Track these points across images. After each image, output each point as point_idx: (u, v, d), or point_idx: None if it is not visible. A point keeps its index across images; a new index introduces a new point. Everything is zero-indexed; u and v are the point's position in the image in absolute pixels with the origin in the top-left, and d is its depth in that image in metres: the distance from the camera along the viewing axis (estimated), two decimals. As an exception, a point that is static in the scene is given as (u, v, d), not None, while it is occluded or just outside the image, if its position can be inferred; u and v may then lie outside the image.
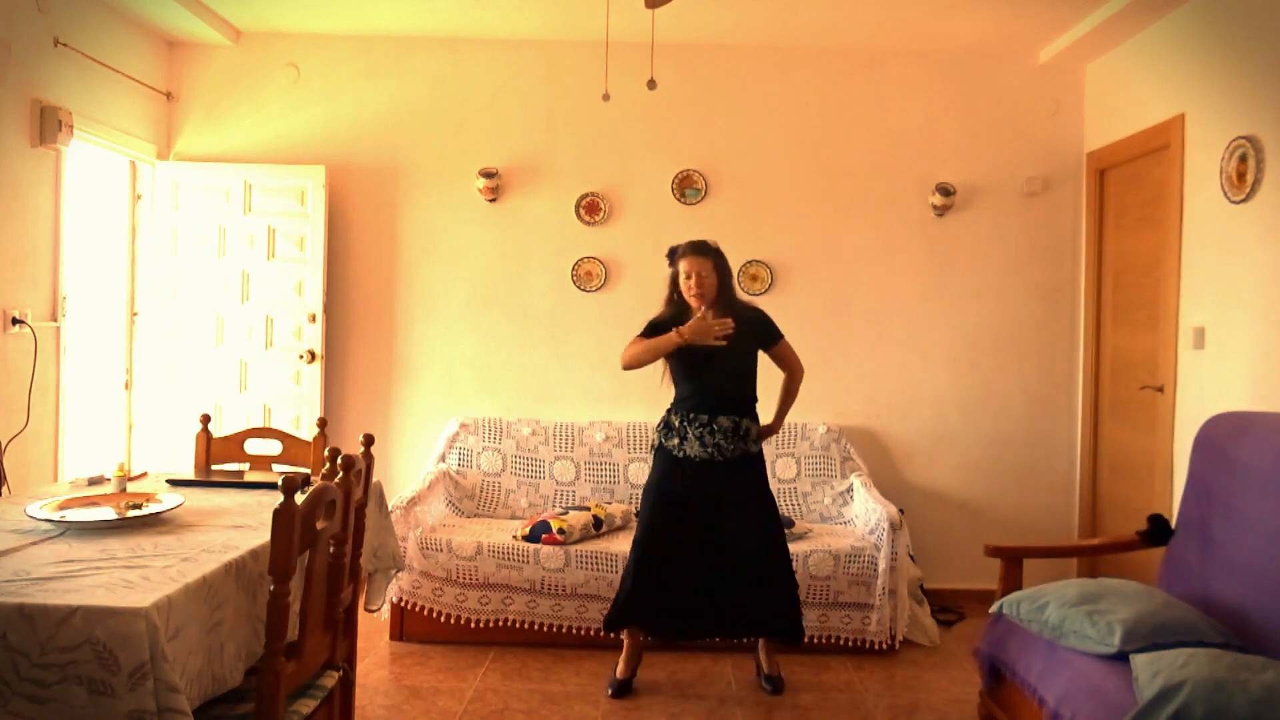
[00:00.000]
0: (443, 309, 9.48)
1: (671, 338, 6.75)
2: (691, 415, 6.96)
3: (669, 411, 7.15)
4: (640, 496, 7.39)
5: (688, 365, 7.01)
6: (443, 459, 9.17)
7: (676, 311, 7.10)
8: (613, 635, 7.44)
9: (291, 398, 9.31)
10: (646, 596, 6.97)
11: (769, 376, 7.32)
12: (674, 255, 7.12)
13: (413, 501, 8.08)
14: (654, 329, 7.06)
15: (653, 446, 7.21)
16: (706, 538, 6.94)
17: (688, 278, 6.94)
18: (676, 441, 6.98)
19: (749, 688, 7.24)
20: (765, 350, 7.22)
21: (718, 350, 6.89)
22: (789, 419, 8.84)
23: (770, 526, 7.04)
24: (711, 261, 6.98)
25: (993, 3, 8.19)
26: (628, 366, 7.06)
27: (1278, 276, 6.54)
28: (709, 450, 6.89)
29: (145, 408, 9.30)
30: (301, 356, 9.24)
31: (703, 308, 6.94)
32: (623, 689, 7.10)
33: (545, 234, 9.49)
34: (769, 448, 8.97)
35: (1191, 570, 5.85)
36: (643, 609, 7.01)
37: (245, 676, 4.19)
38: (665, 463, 7.05)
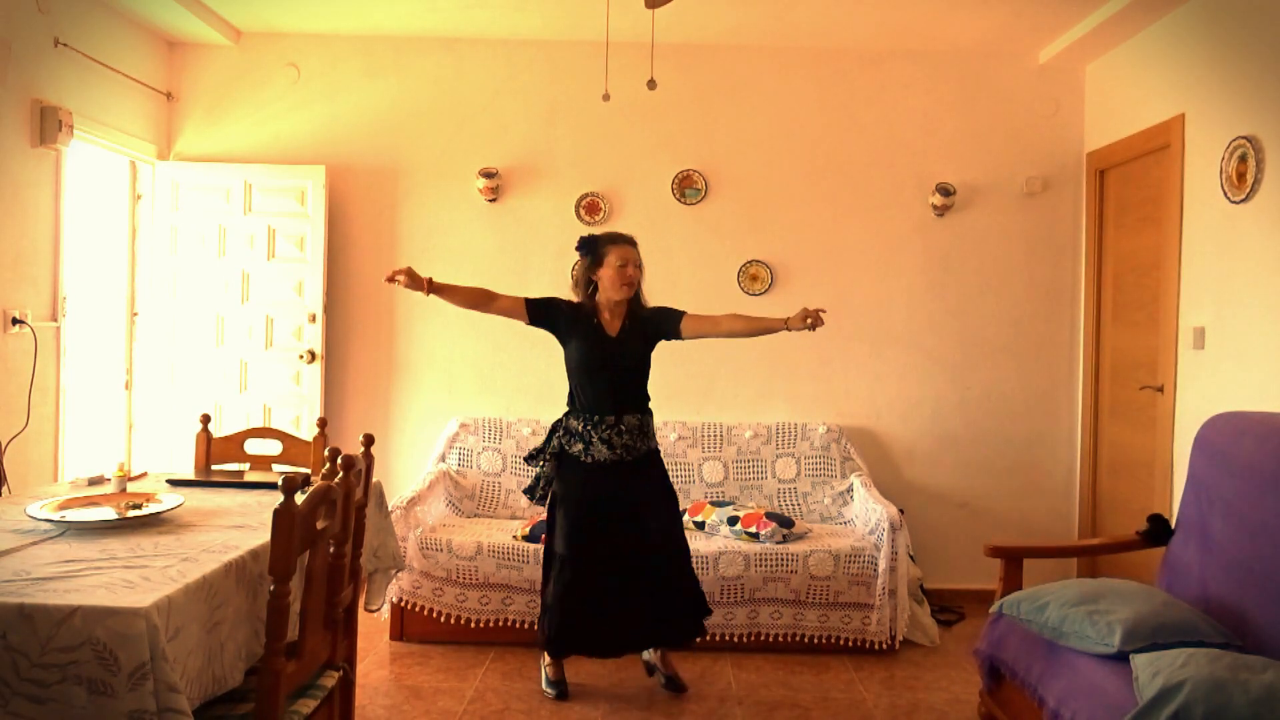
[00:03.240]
0: (443, 309, 9.43)
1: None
2: (596, 417, 6.88)
3: (566, 416, 7.05)
4: (546, 511, 7.18)
5: (586, 362, 6.94)
6: (443, 459, 9.18)
7: (581, 303, 7.06)
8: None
9: (291, 398, 9.32)
10: (582, 620, 6.86)
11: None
12: (595, 244, 7.00)
13: (413, 501, 8.09)
14: (552, 300, 7.09)
15: (549, 455, 7.03)
16: (625, 543, 6.86)
17: (623, 266, 6.86)
18: (581, 447, 6.87)
19: (748, 688, 7.23)
20: (674, 334, 6.99)
21: (616, 346, 6.91)
22: (790, 419, 8.89)
23: (678, 524, 7.05)
24: (636, 251, 6.97)
25: (992, 3, 8.19)
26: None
27: (1278, 276, 6.54)
28: (618, 451, 6.83)
29: (145, 408, 9.30)
30: (301, 356, 9.24)
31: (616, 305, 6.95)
32: (563, 689, 7.10)
33: (545, 234, 9.49)
34: (769, 446, 9.00)
35: (1191, 570, 5.86)
36: (581, 635, 6.92)
37: (245, 676, 4.20)
38: (574, 471, 6.93)
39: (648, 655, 7.30)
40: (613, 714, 6.76)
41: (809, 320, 6.49)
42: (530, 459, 7.11)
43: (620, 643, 7.02)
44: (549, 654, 7.11)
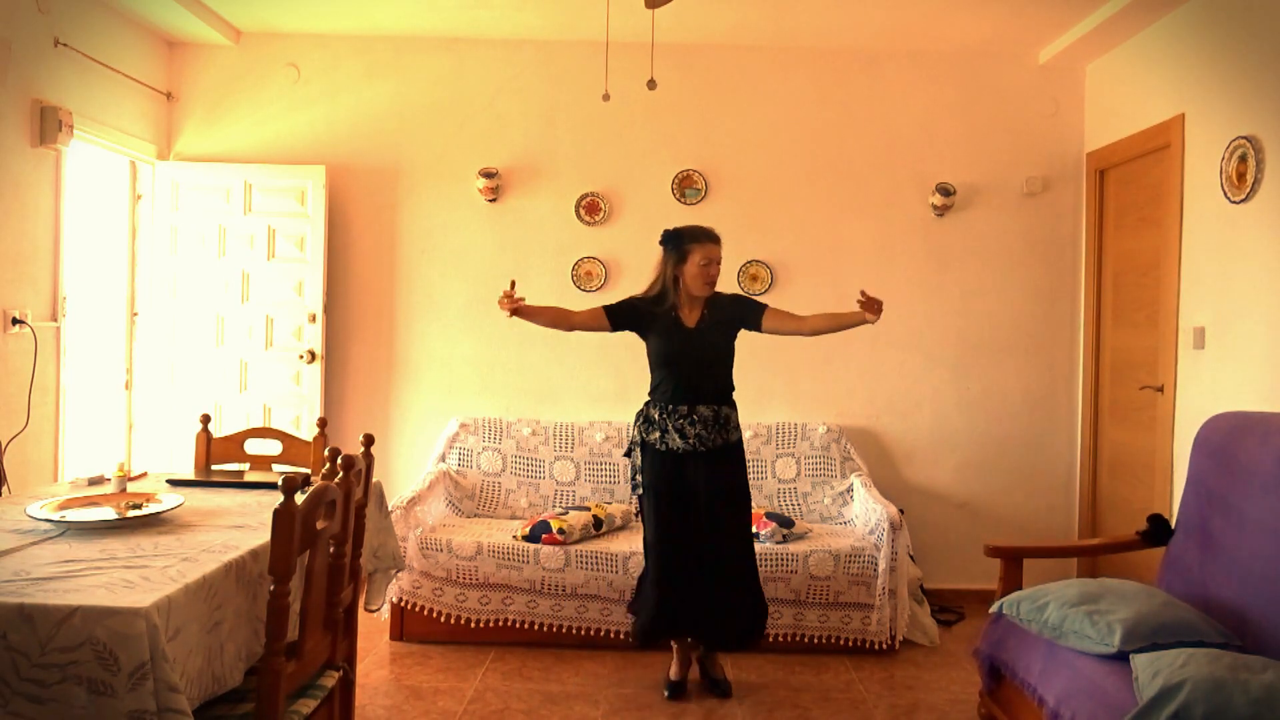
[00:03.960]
0: (443, 309, 9.49)
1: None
2: (670, 407, 6.92)
3: (646, 405, 7.10)
4: (640, 500, 7.25)
5: (663, 354, 6.99)
6: (443, 459, 9.18)
7: (660, 296, 7.05)
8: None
9: (291, 398, 9.32)
10: (672, 604, 6.93)
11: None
12: (680, 239, 6.98)
13: (413, 501, 8.08)
14: (628, 302, 7.13)
15: (633, 444, 7.15)
16: (699, 533, 6.90)
17: (706, 265, 6.89)
18: (658, 435, 6.93)
19: (748, 688, 7.22)
20: (755, 325, 7.04)
21: (694, 338, 6.93)
22: (790, 419, 8.91)
23: (747, 524, 7.05)
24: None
25: (992, 3, 8.20)
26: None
27: (1278, 276, 6.54)
28: (691, 441, 6.85)
29: (145, 408, 9.30)
30: (301, 356, 9.24)
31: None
32: (677, 690, 7.12)
33: (545, 234, 9.49)
34: (769, 446, 9.01)
35: (1191, 570, 5.86)
36: (672, 618, 6.98)
37: (245, 676, 4.20)
38: (653, 460, 7.00)
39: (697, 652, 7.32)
40: (613, 714, 6.76)
41: (877, 306, 6.61)
42: (627, 453, 7.25)
43: (689, 627, 7.07)
44: (641, 640, 7.17)
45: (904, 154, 9.50)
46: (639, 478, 7.09)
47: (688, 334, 6.96)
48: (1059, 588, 5.61)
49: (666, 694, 7.08)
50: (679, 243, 6.99)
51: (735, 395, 7.10)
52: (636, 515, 7.41)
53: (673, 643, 7.23)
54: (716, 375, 7.04)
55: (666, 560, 6.91)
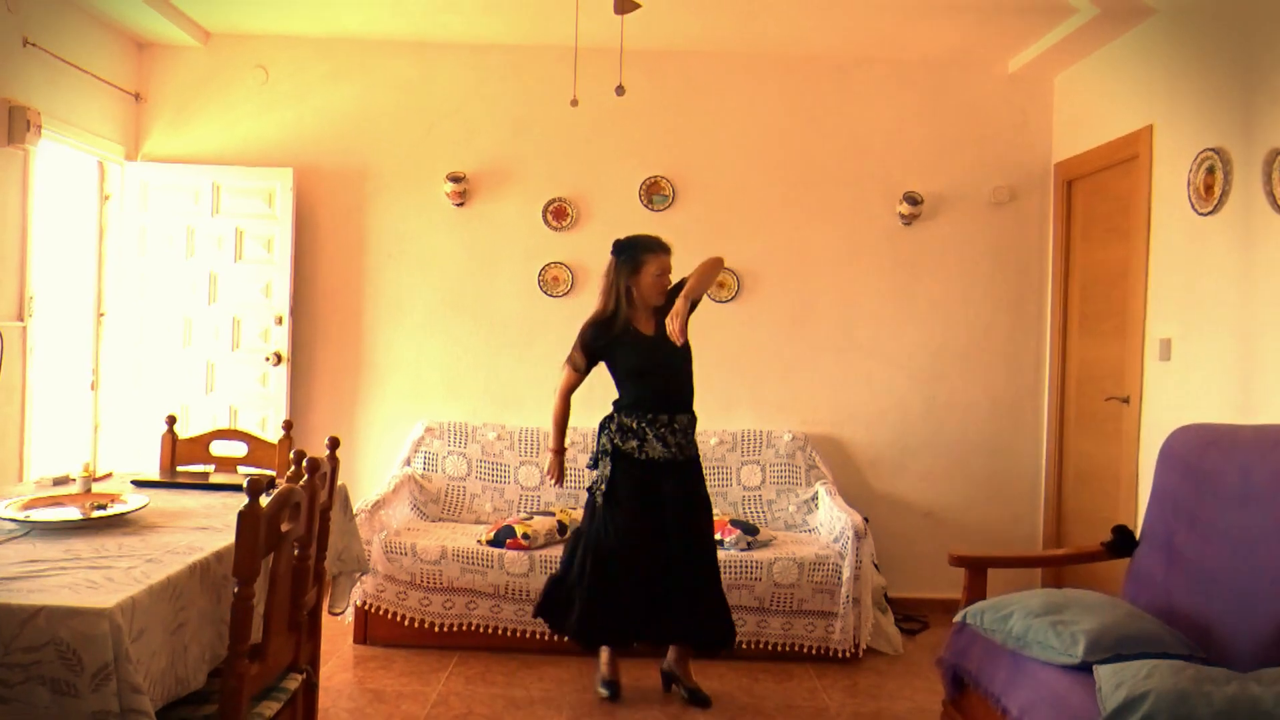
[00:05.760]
0: (409, 313, 9.48)
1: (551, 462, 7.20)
2: (650, 416, 6.93)
3: (618, 414, 7.08)
4: (592, 503, 7.18)
5: (635, 367, 7.02)
6: (408, 463, 9.16)
7: (610, 318, 7.05)
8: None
9: (258, 399, 9.30)
10: (607, 611, 6.94)
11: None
12: (635, 249, 7.02)
13: (378, 505, 8.08)
14: (588, 346, 7.10)
15: (602, 452, 7.10)
16: (671, 539, 6.92)
17: (660, 275, 6.94)
18: (636, 444, 6.93)
19: (711, 695, 7.19)
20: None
21: (659, 346, 6.95)
22: (755, 426, 8.95)
23: (710, 530, 7.10)
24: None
25: (962, 12, 8.22)
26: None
27: (1244, 289, 6.58)
28: (671, 450, 6.88)
29: (111, 408, 9.27)
30: (268, 358, 9.23)
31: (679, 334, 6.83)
32: (615, 688, 7.14)
33: (512, 239, 9.49)
34: (734, 453, 9.03)
35: (1156, 581, 5.87)
36: (606, 626, 7.00)
37: (209, 678, 4.19)
38: (628, 468, 6.98)
39: (666, 665, 7.30)
40: (576, 720, 6.76)
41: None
42: (592, 465, 7.19)
43: (641, 632, 7.08)
44: (581, 644, 7.18)
45: (872, 163, 9.52)
46: (604, 486, 7.05)
47: (652, 344, 6.98)
48: (1023, 598, 5.62)
49: (607, 694, 7.10)
50: (633, 253, 7.03)
51: (697, 403, 7.14)
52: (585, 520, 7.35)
53: (604, 645, 7.24)
54: (685, 382, 7.09)
55: (627, 567, 6.89)
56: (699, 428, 7.18)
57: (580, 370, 7.13)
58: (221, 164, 9.36)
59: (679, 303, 6.71)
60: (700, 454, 7.19)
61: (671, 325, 6.71)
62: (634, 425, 6.96)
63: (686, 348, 7.02)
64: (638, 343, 6.98)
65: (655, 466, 6.92)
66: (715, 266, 6.99)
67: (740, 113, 9.53)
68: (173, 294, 9.27)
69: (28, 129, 7.47)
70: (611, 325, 7.03)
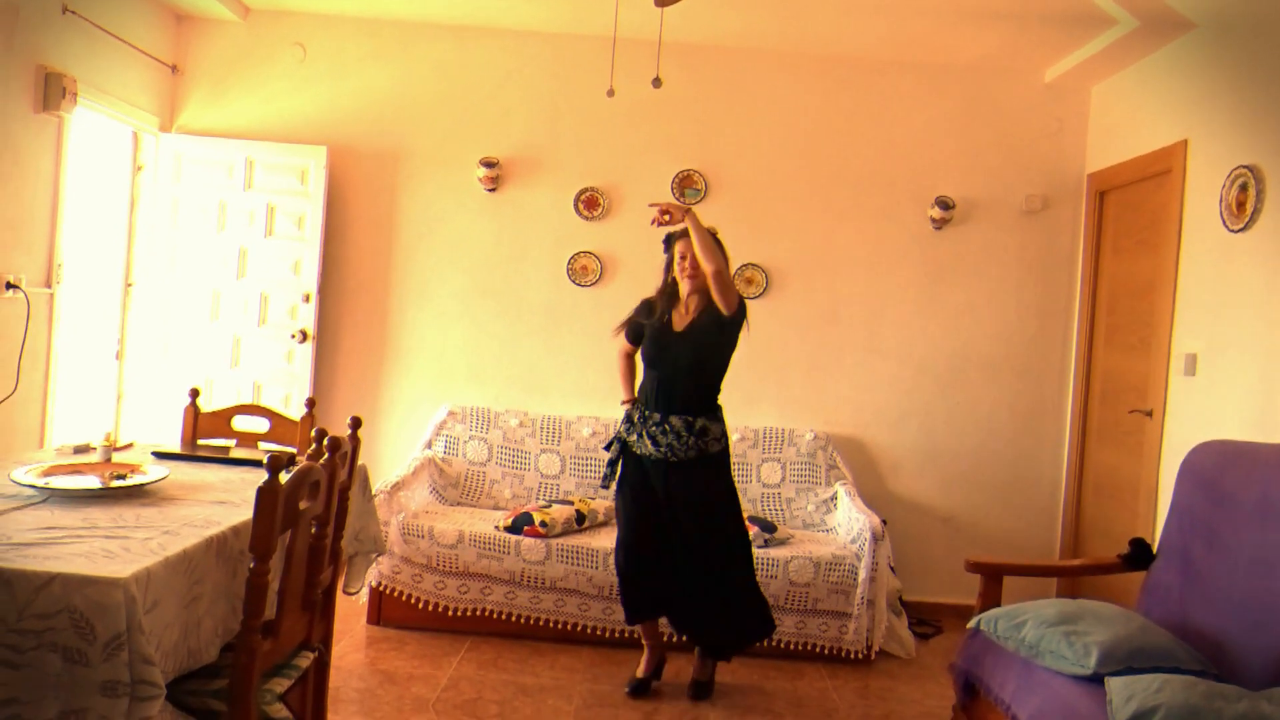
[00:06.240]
0: (437, 296, 9.49)
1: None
2: (647, 412, 6.93)
3: (634, 402, 7.14)
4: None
5: (646, 356, 7.04)
6: (429, 445, 9.18)
7: (666, 293, 7.11)
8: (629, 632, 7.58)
9: (282, 376, 9.31)
10: (636, 596, 7.01)
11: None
12: (670, 239, 7.11)
13: (397, 486, 8.09)
14: (630, 318, 7.18)
15: (616, 437, 7.13)
16: (672, 535, 6.95)
17: (682, 258, 6.93)
18: (635, 438, 6.96)
19: (721, 691, 7.23)
20: (724, 321, 6.89)
21: (676, 342, 6.91)
22: (777, 424, 8.93)
23: (725, 532, 6.99)
24: None
25: (1001, 20, 8.20)
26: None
27: (1272, 306, 6.55)
28: (661, 451, 6.83)
29: (136, 378, 9.29)
30: (294, 335, 9.24)
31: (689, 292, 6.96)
32: (638, 688, 7.12)
33: (543, 226, 9.49)
34: (755, 450, 9.03)
35: (1171, 596, 5.86)
36: (631, 601, 7.06)
37: (220, 653, 4.20)
38: (629, 457, 7.05)
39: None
40: (585, 709, 6.76)
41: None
42: (606, 447, 7.25)
43: (664, 611, 7.16)
44: (626, 620, 7.21)
45: (904, 165, 9.49)
46: (608, 470, 7.12)
47: (672, 338, 6.94)
48: (1037, 607, 5.61)
49: (627, 690, 7.10)
50: (669, 242, 7.12)
51: (724, 399, 7.06)
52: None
53: (644, 641, 7.25)
54: (693, 383, 6.91)
55: (631, 553, 7.00)
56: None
57: (628, 339, 7.22)
58: (256, 139, 9.37)
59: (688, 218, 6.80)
60: (725, 448, 7.03)
61: (657, 205, 6.85)
62: (634, 418, 6.99)
63: (709, 346, 6.92)
64: (658, 333, 6.97)
65: (650, 462, 6.93)
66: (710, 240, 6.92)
67: (775, 110, 9.52)
68: (202, 267, 9.29)
69: (63, 96, 7.49)
70: (653, 308, 7.09)
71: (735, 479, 7.16)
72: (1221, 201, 7.10)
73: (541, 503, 8.49)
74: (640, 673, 7.19)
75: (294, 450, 6.30)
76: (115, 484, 4.77)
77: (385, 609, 8.06)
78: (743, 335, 6.98)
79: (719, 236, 6.95)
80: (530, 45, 9.48)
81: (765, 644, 7.80)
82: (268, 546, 3.97)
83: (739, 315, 6.86)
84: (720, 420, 7.02)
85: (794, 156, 9.51)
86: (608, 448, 7.20)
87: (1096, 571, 6.68)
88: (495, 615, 7.96)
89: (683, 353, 6.88)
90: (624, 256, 9.33)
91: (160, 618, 3.65)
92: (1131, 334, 8.48)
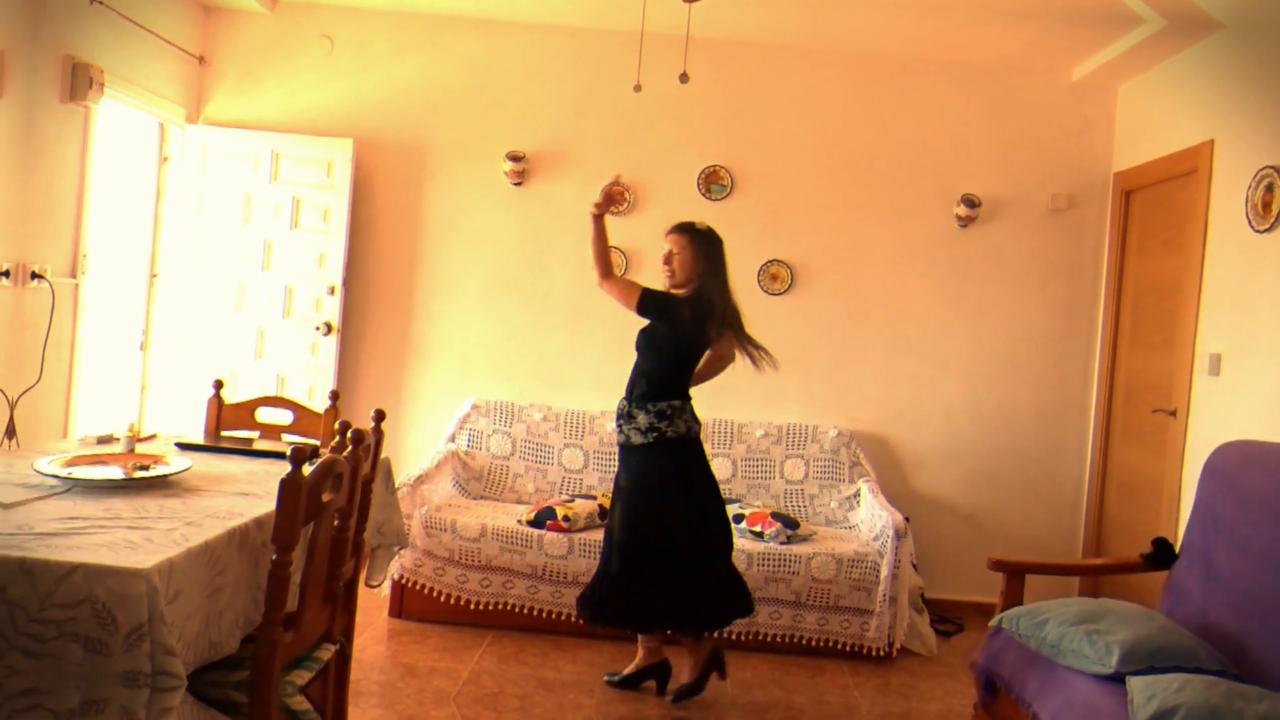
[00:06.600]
0: (462, 289, 9.50)
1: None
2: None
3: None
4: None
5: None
6: (453, 439, 9.20)
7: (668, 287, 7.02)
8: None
9: (307, 368, 9.34)
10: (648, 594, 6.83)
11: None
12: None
13: (420, 479, 8.11)
14: (652, 290, 6.94)
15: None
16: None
17: (665, 251, 6.88)
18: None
19: (743, 687, 7.23)
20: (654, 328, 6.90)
21: (639, 337, 6.93)
22: (801, 420, 8.92)
23: (627, 523, 6.80)
24: (685, 239, 6.83)
25: (1028, 18, 8.18)
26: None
27: (1298, 308, 6.53)
28: (620, 437, 6.86)
29: (160, 369, 9.33)
30: (319, 328, 9.26)
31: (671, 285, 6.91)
32: (623, 681, 7.09)
33: (568, 221, 9.46)
34: (779, 446, 9.02)
35: (1193, 596, 5.84)
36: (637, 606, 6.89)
37: (242, 645, 4.20)
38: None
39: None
40: (606, 704, 6.77)
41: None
42: None
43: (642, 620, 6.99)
44: (591, 618, 7.02)
45: (931, 163, 9.48)
46: None
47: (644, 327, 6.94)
48: (1059, 605, 5.61)
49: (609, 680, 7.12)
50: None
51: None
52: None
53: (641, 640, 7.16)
54: (637, 371, 6.90)
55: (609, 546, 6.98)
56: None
57: (638, 284, 7.01)
58: (282, 131, 9.40)
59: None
60: (652, 443, 6.72)
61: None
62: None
63: (641, 339, 6.93)
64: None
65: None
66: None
67: (802, 107, 9.51)
68: (227, 259, 9.32)
69: (90, 86, 7.51)
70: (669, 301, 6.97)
71: (680, 488, 6.81)
72: (1247, 202, 7.08)
73: (564, 497, 8.51)
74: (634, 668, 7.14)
75: (317, 443, 6.32)
76: (138, 475, 4.78)
77: (407, 602, 8.07)
78: (677, 334, 6.78)
79: (717, 236, 6.88)
80: (557, 39, 9.48)
81: (787, 640, 7.85)
82: (290, 538, 3.97)
83: (649, 313, 6.82)
84: (651, 414, 6.74)
85: (820, 153, 9.50)
86: None
87: (1119, 571, 6.69)
88: (517, 609, 7.98)
89: (639, 340, 6.91)
90: (649, 252, 9.29)
91: (182, 609, 3.65)
92: (1156, 333, 8.46)
